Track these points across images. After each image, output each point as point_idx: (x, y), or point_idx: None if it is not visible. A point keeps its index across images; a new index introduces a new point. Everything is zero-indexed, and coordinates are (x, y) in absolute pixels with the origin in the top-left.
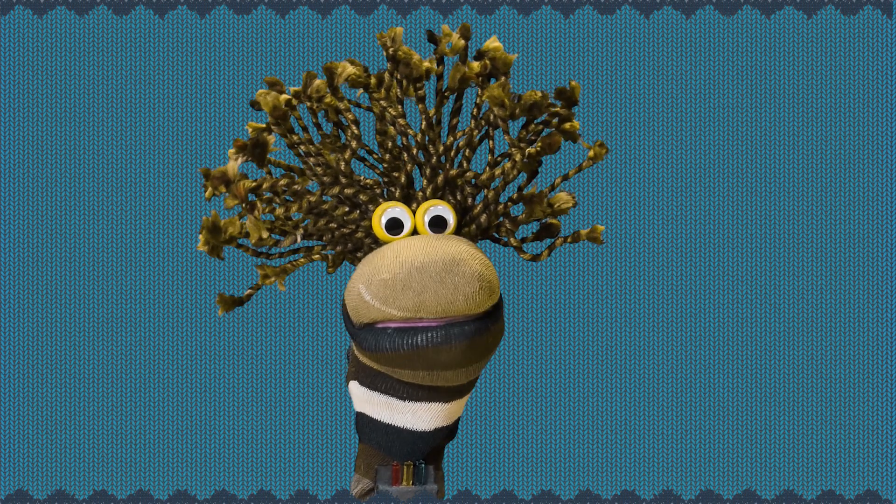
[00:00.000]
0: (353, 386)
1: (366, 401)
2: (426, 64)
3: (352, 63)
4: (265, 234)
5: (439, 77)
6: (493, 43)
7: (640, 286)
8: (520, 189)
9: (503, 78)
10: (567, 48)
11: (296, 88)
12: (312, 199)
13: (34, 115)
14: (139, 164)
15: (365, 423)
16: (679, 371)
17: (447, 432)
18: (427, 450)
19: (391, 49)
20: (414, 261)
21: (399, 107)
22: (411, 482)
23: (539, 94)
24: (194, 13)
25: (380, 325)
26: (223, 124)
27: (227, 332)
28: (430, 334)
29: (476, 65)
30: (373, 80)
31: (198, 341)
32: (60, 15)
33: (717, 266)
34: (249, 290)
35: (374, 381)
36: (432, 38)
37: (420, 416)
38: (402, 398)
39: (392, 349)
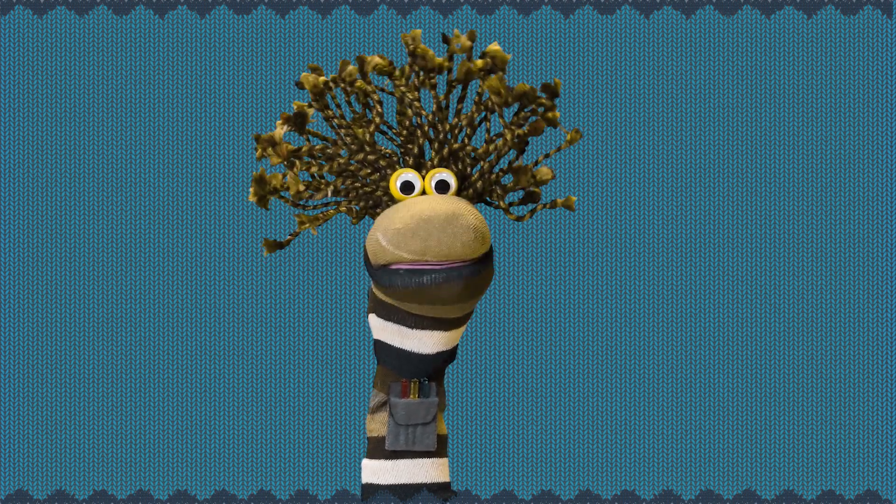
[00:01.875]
0: (372, 318)
1: (382, 329)
2: (438, 60)
3: (380, 57)
4: (301, 187)
5: (449, 71)
6: (494, 46)
7: (639, 284)
8: (510, 163)
9: (501, 73)
10: (567, 48)
11: (334, 76)
12: (342, 160)
13: (34, 115)
14: (139, 163)
15: (381, 348)
16: (679, 371)
17: (447, 356)
18: (430, 370)
19: (411, 46)
20: (422, 214)
21: (416, 92)
22: (417, 395)
23: (528, 86)
24: (194, 13)
25: (393, 267)
26: (223, 123)
27: (228, 332)
28: (433, 275)
29: (480, 62)
30: (396, 72)
31: (198, 343)
32: (60, 15)
33: (717, 267)
34: (289, 237)
35: (388, 313)
36: (445, 40)
37: (425, 342)
38: (411, 327)
39: (402, 286)
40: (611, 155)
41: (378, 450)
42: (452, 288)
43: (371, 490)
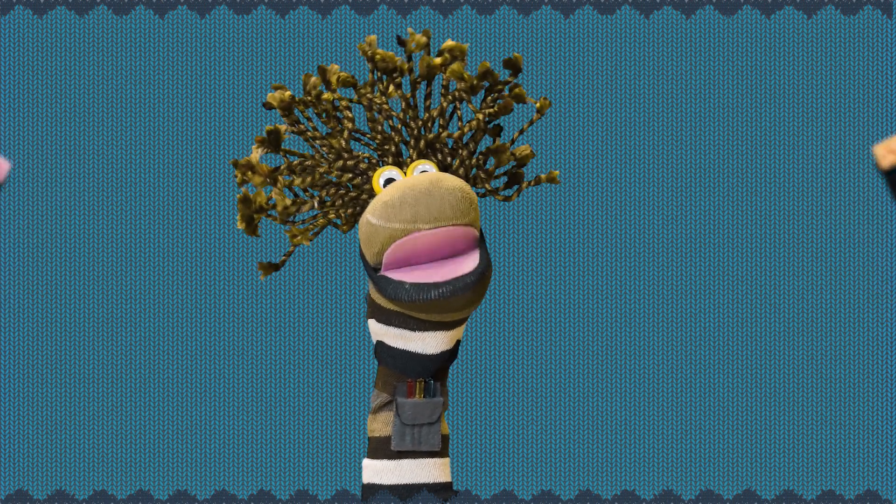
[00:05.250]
0: (372, 323)
1: (383, 333)
2: (398, 59)
3: (339, 71)
4: (288, 202)
5: (411, 71)
6: (449, 42)
7: (638, 285)
8: (488, 148)
9: (461, 62)
10: (567, 48)
11: (301, 98)
12: (322, 170)
13: (34, 115)
14: (139, 164)
15: (383, 350)
16: (679, 371)
17: (449, 354)
18: (434, 369)
19: (369, 52)
20: (406, 184)
21: (382, 96)
22: (423, 395)
23: (488, 63)
24: (194, 13)
25: (397, 279)
26: (223, 123)
27: (228, 332)
28: (441, 290)
29: (438, 59)
30: (360, 86)
31: (197, 342)
32: (60, 15)
33: (718, 266)
34: (284, 257)
35: (389, 318)
36: (401, 42)
37: (428, 343)
38: (413, 329)
39: (410, 301)
40: (612, 154)
41: (380, 450)
42: (461, 299)
43: (372, 490)
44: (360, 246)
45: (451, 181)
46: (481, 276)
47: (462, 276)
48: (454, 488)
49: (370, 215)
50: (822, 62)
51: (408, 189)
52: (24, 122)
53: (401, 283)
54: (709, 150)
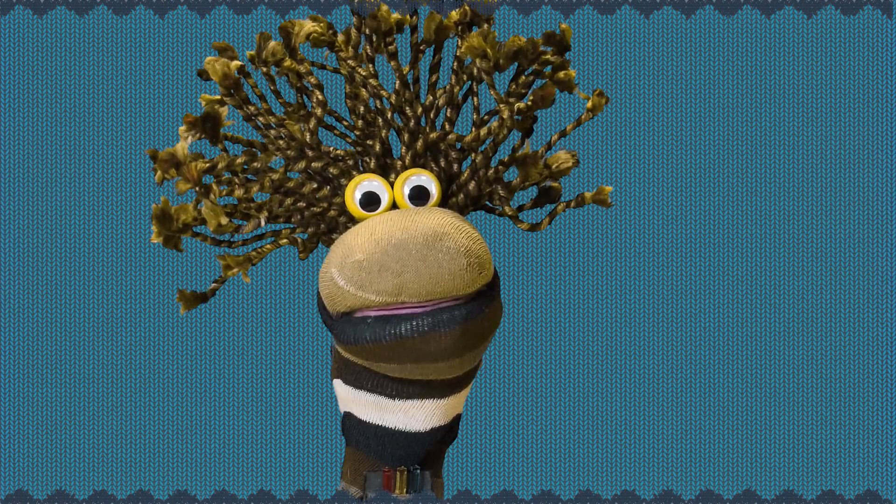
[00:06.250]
0: (338, 384)
1: (351, 400)
2: (396, 16)
3: (313, 20)
4: (224, 220)
5: (413, 29)
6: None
7: (637, 282)
8: (513, 150)
9: (485, 25)
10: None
11: (251, 53)
12: (275, 176)
13: (34, 115)
14: (139, 164)
15: (352, 425)
16: (679, 371)
17: (445, 432)
18: (423, 453)
19: (356, 2)
20: (391, 237)
21: (370, 66)
22: (405, 490)
23: (524, 39)
24: (194, 13)
25: (358, 314)
26: None
27: (228, 331)
28: (415, 322)
29: (454, 13)
30: (339, 39)
31: (197, 341)
32: (60, 15)
33: (717, 266)
34: (213, 285)
35: (359, 379)
36: None
37: (413, 416)
38: (392, 396)
39: (373, 340)
40: (611, 154)
41: None
42: (443, 339)
43: None
44: (317, 292)
45: (456, 237)
46: (478, 309)
47: (448, 307)
48: (455, 488)
49: (336, 273)
50: (822, 62)
51: (392, 248)
52: (24, 122)
53: (363, 318)
54: (709, 151)
